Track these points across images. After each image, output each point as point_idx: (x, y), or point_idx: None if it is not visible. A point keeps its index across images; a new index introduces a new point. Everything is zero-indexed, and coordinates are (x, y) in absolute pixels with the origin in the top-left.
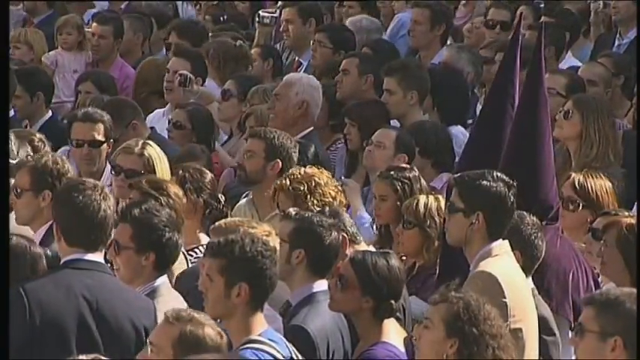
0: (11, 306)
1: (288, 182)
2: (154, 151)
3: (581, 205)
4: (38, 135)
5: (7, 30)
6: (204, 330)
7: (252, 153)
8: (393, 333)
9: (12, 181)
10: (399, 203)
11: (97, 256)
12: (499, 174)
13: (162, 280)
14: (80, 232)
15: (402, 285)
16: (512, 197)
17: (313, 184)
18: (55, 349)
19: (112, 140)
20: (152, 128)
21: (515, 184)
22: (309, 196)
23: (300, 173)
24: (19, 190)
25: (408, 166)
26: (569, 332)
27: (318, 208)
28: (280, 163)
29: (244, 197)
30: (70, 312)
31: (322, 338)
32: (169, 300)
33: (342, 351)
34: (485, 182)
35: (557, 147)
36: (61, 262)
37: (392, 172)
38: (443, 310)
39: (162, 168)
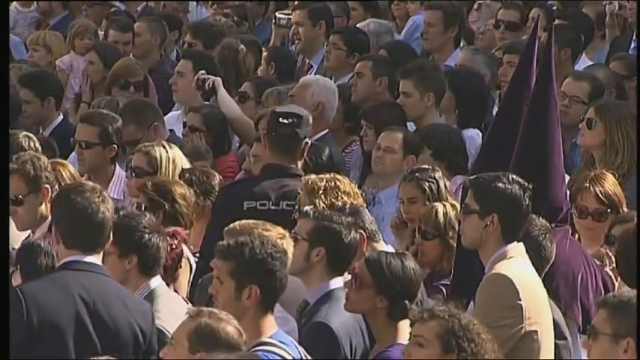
0: (9, 307)
1: (312, 177)
2: (165, 151)
3: (608, 211)
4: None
5: (7, 30)
6: (219, 324)
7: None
8: (407, 334)
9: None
10: (428, 203)
11: (95, 258)
12: (515, 176)
13: (158, 282)
14: (79, 235)
15: (416, 286)
16: (527, 200)
17: (333, 184)
18: (53, 350)
19: (115, 145)
20: (171, 131)
21: (530, 186)
22: (321, 195)
23: (329, 174)
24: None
25: (429, 166)
26: (578, 335)
27: (323, 207)
28: None
29: None
30: (68, 313)
31: (345, 334)
32: (168, 300)
33: (362, 347)
34: (500, 184)
35: (581, 153)
36: (59, 263)
37: (417, 174)
38: (436, 326)
39: (173, 168)
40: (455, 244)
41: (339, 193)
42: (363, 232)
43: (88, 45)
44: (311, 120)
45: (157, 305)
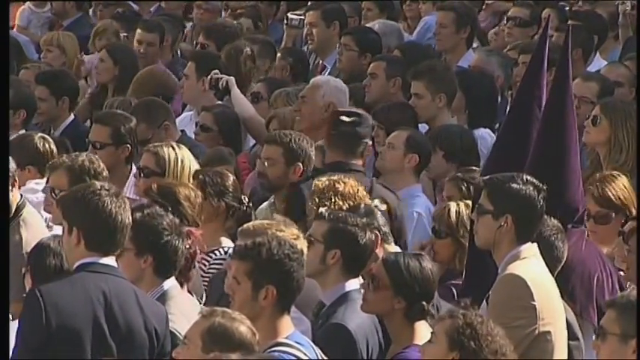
0: (27, 308)
1: (322, 179)
2: (173, 152)
3: (612, 215)
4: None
5: (7, 30)
6: (233, 324)
7: (272, 160)
8: (426, 336)
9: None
10: None
11: (112, 260)
12: (529, 177)
13: (172, 284)
14: (102, 237)
15: (434, 286)
16: (541, 200)
17: (332, 186)
18: (70, 351)
19: (128, 145)
20: (182, 131)
21: (544, 187)
22: (315, 197)
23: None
24: (57, 191)
25: (477, 168)
26: (594, 336)
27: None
28: (301, 165)
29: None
30: (86, 315)
31: (362, 335)
32: (181, 302)
33: (378, 348)
34: (515, 185)
35: (587, 152)
36: (76, 265)
37: (459, 174)
38: (447, 324)
39: (181, 170)
40: (466, 243)
41: (335, 197)
42: (378, 233)
43: (104, 45)
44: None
45: (170, 307)
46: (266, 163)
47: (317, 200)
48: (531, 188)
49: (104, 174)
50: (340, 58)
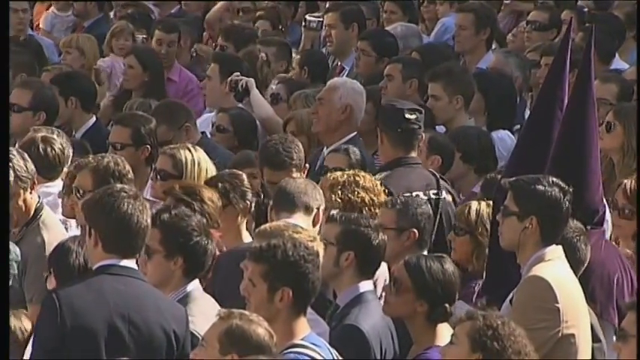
0: (44, 309)
1: (335, 173)
2: (190, 154)
3: (633, 212)
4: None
5: (7, 30)
6: (250, 326)
7: None
8: (447, 337)
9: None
10: None
11: (131, 262)
12: (555, 179)
13: (195, 286)
14: (120, 240)
15: (456, 289)
16: (567, 203)
17: (352, 179)
18: (85, 352)
19: (148, 145)
20: (203, 133)
21: (570, 189)
22: (338, 189)
23: (351, 170)
24: (81, 192)
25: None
26: (614, 337)
27: (336, 202)
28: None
29: None
30: (101, 317)
31: (375, 337)
32: (203, 304)
33: (392, 350)
34: (540, 187)
35: (601, 157)
36: (95, 267)
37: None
38: (468, 326)
39: (198, 172)
40: (485, 242)
41: (357, 188)
42: (415, 231)
43: (124, 46)
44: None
45: (191, 309)
46: None
47: (340, 193)
48: (557, 190)
49: (129, 176)
50: (358, 63)
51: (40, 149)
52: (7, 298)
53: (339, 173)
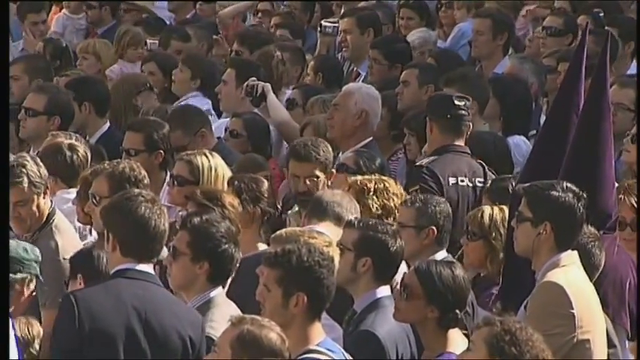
0: (62, 312)
1: (359, 178)
2: (207, 160)
3: None
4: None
5: (7, 30)
6: (262, 331)
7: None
8: (458, 343)
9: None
10: None
11: (148, 267)
12: (569, 185)
13: (218, 292)
14: (137, 244)
15: (467, 294)
16: (581, 208)
17: (382, 186)
18: (103, 354)
19: (161, 151)
20: (219, 138)
21: (584, 195)
22: (372, 195)
23: (374, 175)
24: (97, 198)
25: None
26: (627, 341)
27: (375, 209)
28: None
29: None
30: (119, 321)
31: (391, 342)
32: (226, 310)
33: (409, 355)
34: (554, 192)
35: (625, 170)
36: (113, 271)
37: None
38: (485, 332)
39: (215, 178)
40: (498, 246)
41: (390, 194)
42: (434, 229)
43: (140, 54)
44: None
45: (213, 314)
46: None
47: (376, 199)
48: (571, 196)
49: (145, 181)
50: (371, 72)
51: (67, 156)
52: (7, 298)
53: (364, 178)
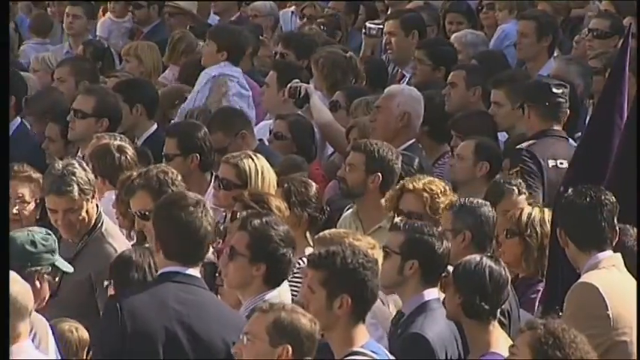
0: (105, 314)
1: (420, 184)
2: (253, 164)
3: None
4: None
5: (7, 30)
6: (298, 316)
7: (352, 166)
8: (502, 342)
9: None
10: None
11: (194, 271)
12: (586, 189)
13: (274, 294)
14: (178, 247)
15: (488, 283)
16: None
17: (442, 188)
18: (145, 356)
19: (197, 154)
20: (260, 140)
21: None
22: (441, 197)
23: (429, 178)
24: (143, 212)
25: None
26: None
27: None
28: (381, 175)
29: (348, 209)
30: (160, 323)
31: (441, 345)
32: None
33: (457, 358)
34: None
35: None
36: (158, 273)
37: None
38: (528, 336)
39: (262, 181)
40: (534, 245)
41: (443, 197)
42: (469, 233)
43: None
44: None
45: None
46: (347, 169)
47: (442, 201)
48: (585, 200)
49: (179, 180)
50: (415, 73)
51: (115, 158)
52: (7, 298)
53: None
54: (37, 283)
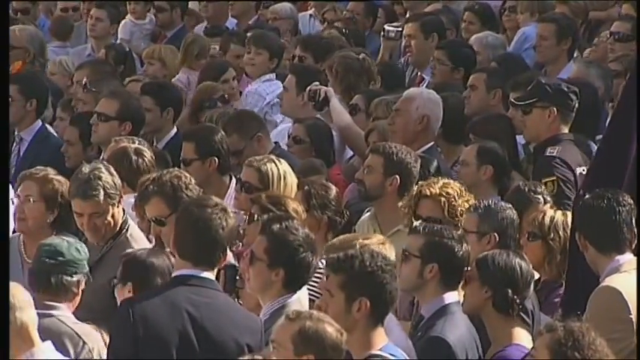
0: (117, 318)
1: (436, 189)
2: (276, 168)
3: None
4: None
5: (7, 30)
6: (324, 325)
7: (371, 168)
8: (524, 337)
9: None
10: None
11: (209, 274)
12: (602, 193)
13: (295, 298)
14: (192, 246)
15: (519, 277)
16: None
17: (458, 190)
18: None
19: (215, 158)
20: (276, 143)
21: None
22: (458, 200)
23: (444, 180)
24: (159, 219)
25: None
26: None
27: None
28: (399, 178)
29: (367, 212)
30: (173, 326)
31: (461, 348)
32: None
33: None
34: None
35: None
36: (172, 276)
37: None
38: (547, 338)
39: (284, 186)
40: (557, 248)
41: (460, 200)
42: (496, 235)
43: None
44: None
45: None
46: (365, 171)
47: (459, 204)
48: (606, 203)
49: (192, 184)
50: (434, 73)
51: (133, 161)
52: (7, 298)
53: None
54: (80, 291)
